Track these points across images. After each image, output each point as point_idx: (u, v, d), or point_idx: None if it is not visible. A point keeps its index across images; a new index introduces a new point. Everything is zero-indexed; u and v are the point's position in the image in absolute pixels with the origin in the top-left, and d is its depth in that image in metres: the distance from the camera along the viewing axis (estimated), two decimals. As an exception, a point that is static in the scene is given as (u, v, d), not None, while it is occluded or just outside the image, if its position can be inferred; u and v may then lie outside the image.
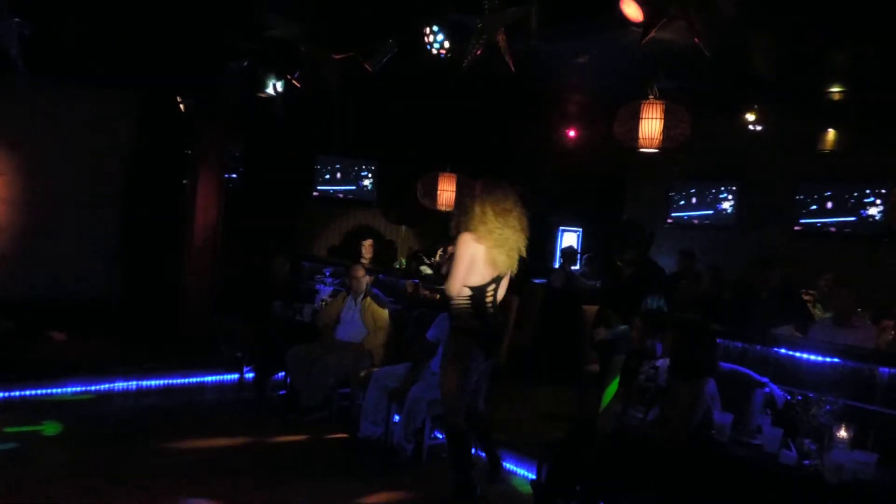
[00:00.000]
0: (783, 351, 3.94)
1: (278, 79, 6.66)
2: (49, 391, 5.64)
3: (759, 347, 4.02)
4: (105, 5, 5.78)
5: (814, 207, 8.46)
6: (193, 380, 6.33)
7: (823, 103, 7.13)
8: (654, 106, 5.61)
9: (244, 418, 5.57)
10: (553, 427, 4.94)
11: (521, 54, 4.76)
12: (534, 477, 4.04)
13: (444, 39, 5.06)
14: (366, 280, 5.71)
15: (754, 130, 7.74)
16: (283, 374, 5.88)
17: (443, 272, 6.00)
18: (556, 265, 9.36)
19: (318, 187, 9.31)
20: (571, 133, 9.37)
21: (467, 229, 3.90)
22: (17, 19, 5.05)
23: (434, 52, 5.11)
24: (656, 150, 5.77)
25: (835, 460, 3.02)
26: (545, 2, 4.54)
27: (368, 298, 5.60)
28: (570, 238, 10.59)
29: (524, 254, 4.04)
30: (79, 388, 5.79)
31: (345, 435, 5.10)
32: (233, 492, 4.06)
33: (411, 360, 4.89)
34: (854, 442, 3.12)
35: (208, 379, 6.41)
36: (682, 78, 6.06)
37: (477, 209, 3.92)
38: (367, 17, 5.57)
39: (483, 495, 4.03)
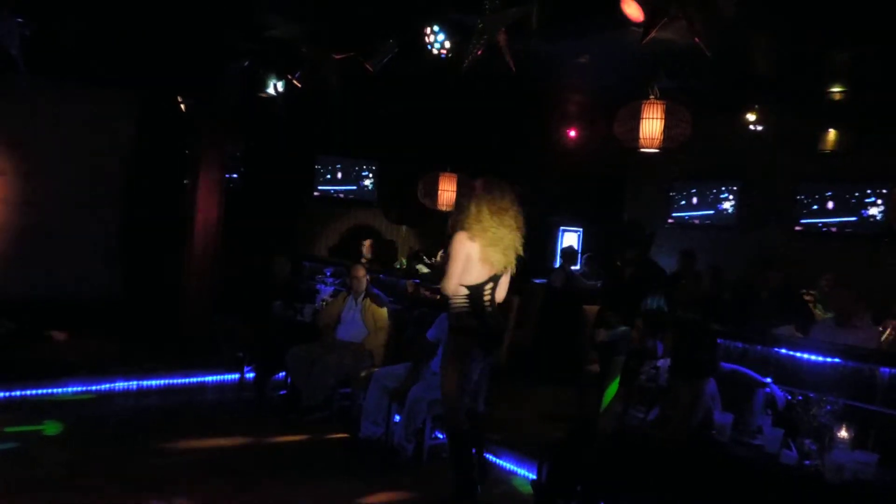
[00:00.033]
0: (784, 351, 3.94)
1: (279, 79, 6.66)
2: (50, 391, 5.65)
3: (759, 347, 4.02)
4: (105, 5, 5.78)
5: (814, 207, 8.46)
6: (194, 380, 6.33)
7: (824, 103, 7.12)
8: (655, 106, 5.61)
9: (245, 418, 5.57)
10: (553, 427, 4.93)
11: (521, 54, 4.76)
12: (534, 477, 4.04)
13: (445, 39, 5.06)
14: (366, 279, 5.71)
15: (755, 130, 7.74)
16: (283, 374, 5.88)
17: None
18: (557, 265, 9.36)
19: (319, 187, 9.31)
20: (572, 133, 9.37)
21: (462, 228, 3.92)
22: (18, 19, 5.05)
23: (435, 52, 5.11)
24: (657, 150, 5.77)
25: (835, 460, 3.02)
26: (546, 2, 4.54)
27: (369, 299, 5.60)
28: (570, 238, 10.59)
29: (521, 252, 4.03)
30: (79, 388, 5.80)
31: (345, 435, 5.10)
32: (233, 492, 4.06)
33: (412, 360, 4.90)
34: (855, 442, 3.12)
35: (209, 379, 6.41)
36: (682, 78, 6.06)
37: (473, 208, 3.93)
38: (367, 17, 5.57)
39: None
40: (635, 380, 3.70)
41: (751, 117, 7.60)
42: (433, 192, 8.24)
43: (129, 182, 7.86)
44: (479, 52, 4.67)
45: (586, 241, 10.62)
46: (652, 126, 5.59)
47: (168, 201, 7.67)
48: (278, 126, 7.86)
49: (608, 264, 8.26)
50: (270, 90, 6.73)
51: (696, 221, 9.60)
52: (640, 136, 5.63)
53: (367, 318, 5.54)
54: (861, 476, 2.98)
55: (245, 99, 7.09)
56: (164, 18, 5.91)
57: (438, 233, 4.30)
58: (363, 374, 5.14)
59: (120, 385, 5.97)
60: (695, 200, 9.69)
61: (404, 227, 10.12)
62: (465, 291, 3.94)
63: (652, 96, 5.68)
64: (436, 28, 5.06)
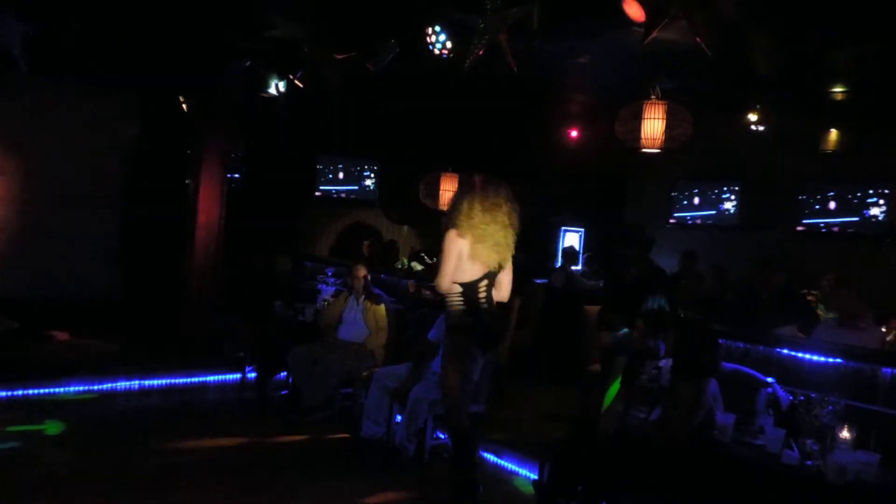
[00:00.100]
0: (785, 351, 3.94)
1: (280, 79, 6.66)
2: (51, 391, 5.65)
3: (761, 348, 4.02)
4: (105, 5, 5.78)
5: (816, 207, 8.45)
6: (195, 379, 6.34)
7: (825, 103, 7.12)
8: (657, 106, 5.61)
9: (246, 418, 5.58)
10: (554, 427, 4.94)
11: (522, 54, 4.76)
12: (536, 477, 4.04)
13: (447, 40, 5.05)
14: (366, 279, 5.69)
15: (756, 130, 7.73)
16: (285, 374, 5.89)
17: None
18: (558, 265, 9.35)
19: (321, 187, 9.32)
20: (573, 133, 9.36)
21: (453, 226, 3.93)
22: (20, 19, 5.06)
23: (436, 52, 5.11)
24: (658, 151, 5.77)
25: (837, 461, 3.01)
26: (547, 2, 4.54)
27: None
28: (572, 238, 10.58)
29: (512, 249, 4.01)
30: (81, 388, 5.80)
31: (347, 435, 5.10)
32: (234, 492, 4.06)
33: (413, 360, 4.90)
34: (857, 442, 3.12)
35: (210, 379, 6.42)
36: (683, 78, 6.06)
37: (465, 205, 3.94)
38: (367, 17, 5.57)
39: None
40: (637, 380, 3.69)
41: (752, 117, 7.59)
42: (434, 193, 8.25)
43: (130, 182, 7.87)
44: (481, 53, 4.67)
45: (588, 241, 10.62)
46: (653, 126, 5.59)
47: (169, 201, 7.67)
48: (279, 126, 7.86)
49: (609, 265, 8.28)
50: (272, 90, 6.73)
51: (698, 222, 9.60)
52: (642, 136, 5.63)
53: (368, 318, 5.54)
54: (863, 476, 2.98)
55: (246, 99, 7.09)
56: (165, 18, 5.91)
57: (440, 233, 4.30)
58: (364, 374, 5.14)
59: (121, 385, 5.98)
60: (696, 200, 9.69)
61: (405, 228, 10.13)
62: (460, 289, 3.94)
63: (653, 96, 5.68)
64: (437, 28, 5.06)
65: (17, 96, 7.09)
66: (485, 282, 3.98)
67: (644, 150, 5.77)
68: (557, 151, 9.52)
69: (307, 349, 5.46)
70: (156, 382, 6.12)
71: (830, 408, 3.23)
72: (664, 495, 3.27)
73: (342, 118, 8.39)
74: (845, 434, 3.12)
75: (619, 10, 4.10)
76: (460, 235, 3.91)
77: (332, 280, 6.64)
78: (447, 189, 8.13)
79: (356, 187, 9.64)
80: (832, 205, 8.32)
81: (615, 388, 3.80)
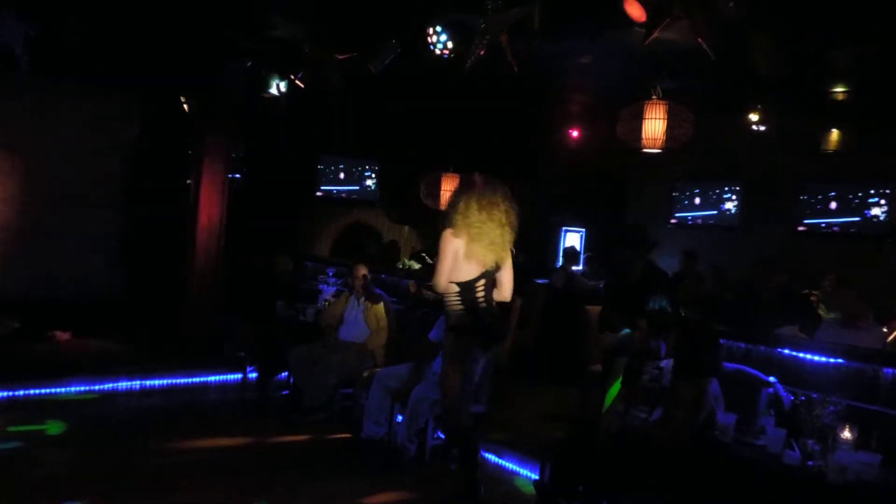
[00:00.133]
0: (786, 351, 3.94)
1: (281, 79, 6.67)
2: (53, 390, 5.65)
3: (762, 348, 4.02)
4: (106, 5, 5.79)
5: (818, 208, 8.45)
6: (196, 379, 6.34)
7: (827, 103, 7.11)
8: (658, 106, 5.61)
9: (247, 418, 5.58)
10: (555, 427, 4.93)
11: (523, 54, 4.76)
12: (537, 477, 4.04)
13: (448, 40, 5.05)
14: (365, 279, 5.68)
15: (757, 131, 7.73)
16: (286, 374, 5.89)
17: None
18: (558, 265, 9.36)
19: (322, 187, 9.32)
20: (574, 133, 9.37)
21: (449, 225, 3.93)
22: (22, 19, 5.07)
23: (437, 52, 5.11)
24: (659, 151, 5.77)
25: (838, 461, 3.01)
26: (548, 2, 4.54)
27: (381, 302, 5.60)
28: (572, 238, 10.58)
29: (509, 248, 3.99)
30: (82, 388, 5.80)
31: (347, 435, 5.10)
32: (235, 492, 4.06)
33: (414, 360, 4.90)
34: (858, 443, 3.11)
35: (211, 379, 6.42)
36: (685, 78, 6.06)
37: (461, 204, 3.93)
38: (368, 18, 5.57)
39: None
40: (638, 380, 3.69)
41: (753, 117, 7.59)
42: (435, 192, 8.25)
43: (132, 182, 7.88)
44: (482, 53, 4.67)
45: (588, 241, 10.62)
46: (654, 126, 5.59)
47: (169, 201, 7.68)
48: (280, 126, 7.87)
49: (610, 265, 8.27)
50: (273, 90, 6.74)
51: (699, 222, 9.59)
52: (643, 136, 5.63)
53: (369, 319, 5.54)
54: (864, 477, 2.98)
55: (247, 99, 7.10)
56: (165, 18, 5.91)
57: (439, 232, 4.32)
58: (365, 374, 5.14)
59: (123, 385, 5.98)
60: (697, 201, 9.69)
61: (407, 228, 10.13)
62: (457, 289, 3.94)
63: (654, 96, 5.68)
64: (438, 28, 5.06)
65: (17, 96, 7.10)
66: (482, 281, 3.97)
67: (645, 150, 5.77)
68: (558, 151, 9.52)
69: (308, 349, 5.46)
70: (157, 382, 6.12)
71: (832, 408, 3.23)
72: (665, 495, 3.27)
73: (343, 118, 8.40)
74: (846, 434, 3.12)
75: (619, 11, 4.10)
76: (455, 235, 3.91)
77: (333, 280, 6.64)
78: (448, 189, 8.13)
79: (357, 187, 9.65)
80: (833, 205, 8.32)
81: (616, 388, 3.80)
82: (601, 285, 7.87)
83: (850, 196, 8.14)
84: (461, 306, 3.95)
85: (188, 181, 7.47)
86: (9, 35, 5.25)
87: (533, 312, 6.61)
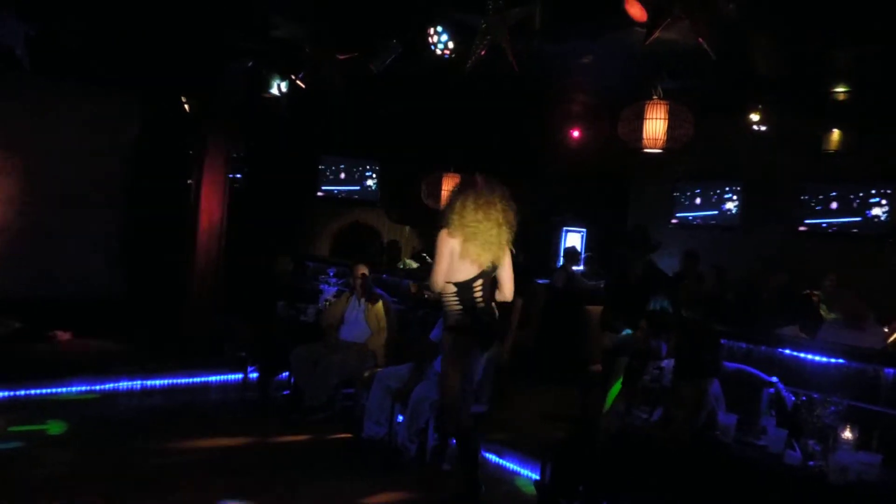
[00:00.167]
0: (787, 352, 3.94)
1: (282, 79, 6.67)
2: (53, 390, 5.66)
3: (763, 348, 4.02)
4: (106, 6, 5.79)
5: (818, 208, 8.44)
6: (197, 379, 6.34)
7: (827, 103, 7.12)
8: (658, 106, 5.61)
9: (248, 418, 5.58)
10: (555, 427, 4.93)
11: (524, 54, 4.76)
12: (537, 477, 4.04)
13: (449, 40, 5.05)
14: (364, 278, 5.68)
15: (758, 131, 7.74)
16: (286, 374, 5.89)
17: None
18: (559, 265, 9.36)
19: (323, 187, 9.33)
20: (575, 133, 9.36)
21: (444, 225, 3.93)
22: (23, 20, 5.07)
23: (438, 52, 5.12)
24: (660, 151, 5.77)
25: (839, 461, 3.01)
26: (549, 2, 4.55)
27: (379, 301, 5.60)
28: (573, 238, 10.59)
29: (506, 248, 3.97)
30: (83, 388, 5.81)
31: (348, 435, 5.10)
32: (235, 491, 4.06)
33: (415, 360, 4.90)
34: (859, 443, 3.11)
35: (212, 379, 6.42)
36: (685, 78, 6.06)
37: (457, 204, 3.93)
38: (369, 18, 5.57)
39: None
40: (638, 380, 3.69)
41: (754, 118, 7.59)
42: (436, 193, 8.25)
43: (132, 182, 7.88)
44: (483, 53, 4.67)
45: (590, 241, 10.62)
46: (655, 126, 5.59)
47: (170, 201, 7.68)
48: (280, 126, 7.87)
49: (610, 265, 8.27)
50: (274, 90, 6.74)
51: (700, 222, 9.59)
52: (644, 136, 5.63)
53: (370, 319, 5.54)
54: (865, 477, 2.98)
55: (247, 99, 7.10)
56: (166, 18, 5.92)
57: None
58: (366, 374, 5.14)
59: (124, 385, 5.98)
60: (698, 201, 9.69)
61: (407, 228, 10.13)
62: (454, 289, 3.95)
63: (655, 97, 5.68)
64: (439, 28, 5.06)
65: (18, 96, 7.11)
66: (479, 281, 3.97)
67: (646, 150, 5.77)
68: (559, 151, 9.52)
69: (309, 349, 5.46)
70: (157, 382, 6.13)
71: (833, 408, 3.23)
72: (666, 496, 3.27)
73: (343, 118, 8.40)
74: (847, 434, 3.12)
75: (620, 11, 4.10)
76: (450, 235, 3.91)
77: (333, 280, 6.64)
78: (448, 189, 8.11)
79: (358, 187, 9.66)
80: (834, 205, 8.32)
81: (617, 388, 3.80)
82: (602, 285, 7.88)
83: (851, 196, 8.15)
84: (459, 307, 3.95)
85: (188, 181, 7.47)
86: (9, 35, 5.25)
87: (534, 312, 6.61)
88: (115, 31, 6.18)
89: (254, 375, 6.22)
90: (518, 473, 4.63)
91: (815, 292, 6.69)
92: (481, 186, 3.96)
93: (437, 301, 4.13)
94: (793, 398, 3.52)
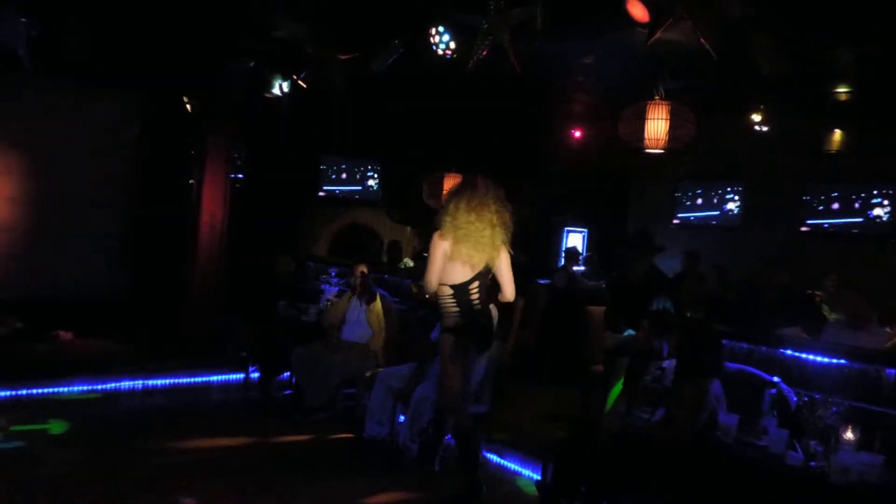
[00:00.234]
0: (789, 352, 3.93)
1: (284, 79, 6.67)
2: (56, 390, 5.66)
3: (764, 348, 4.01)
4: (106, 6, 5.79)
5: (820, 208, 8.44)
6: (199, 379, 6.35)
7: (829, 104, 7.11)
8: (660, 106, 5.61)
9: (249, 418, 5.58)
10: (556, 427, 4.94)
11: (525, 54, 4.76)
12: (539, 478, 4.04)
13: (450, 40, 5.06)
14: (364, 277, 5.68)
15: (760, 131, 7.73)
16: (288, 374, 5.90)
17: None
18: (560, 265, 9.36)
19: (324, 187, 9.34)
20: (576, 133, 9.36)
21: (437, 227, 3.95)
22: (24, 20, 5.08)
23: (440, 52, 5.12)
24: (662, 151, 5.77)
25: (841, 462, 3.01)
26: (550, 2, 4.55)
27: (377, 299, 5.60)
28: (575, 239, 10.59)
29: (500, 248, 3.96)
30: (85, 388, 5.81)
31: (350, 435, 5.10)
32: (237, 491, 4.06)
33: (416, 360, 4.90)
34: (860, 443, 3.11)
35: (214, 379, 6.43)
36: (687, 78, 6.06)
37: (451, 206, 3.94)
38: (370, 18, 5.58)
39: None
40: (639, 380, 3.69)
41: (756, 118, 7.59)
42: (438, 193, 8.26)
43: (134, 182, 7.89)
44: (484, 53, 4.67)
45: (591, 241, 10.62)
46: (657, 127, 5.59)
47: (171, 201, 7.69)
48: (281, 126, 7.88)
49: (610, 266, 8.27)
50: (276, 90, 6.75)
51: (702, 222, 9.58)
52: (645, 136, 5.64)
53: (371, 319, 5.55)
54: (866, 478, 2.97)
55: (248, 99, 7.11)
56: (166, 18, 5.92)
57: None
58: (368, 374, 5.14)
59: (125, 384, 5.99)
60: (699, 201, 9.69)
61: (409, 228, 10.13)
62: (450, 291, 3.95)
63: (657, 97, 5.68)
64: (440, 28, 5.06)
65: (18, 96, 7.11)
66: (476, 283, 3.97)
67: (647, 150, 5.77)
68: (560, 152, 9.52)
69: (310, 349, 5.46)
70: (159, 382, 6.13)
71: (834, 409, 3.23)
72: (667, 496, 3.27)
73: (344, 118, 8.41)
74: (849, 435, 3.12)
75: (622, 11, 4.11)
76: (442, 237, 3.92)
77: (335, 280, 6.65)
78: (449, 189, 8.12)
79: (360, 188, 9.66)
80: (835, 205, 8.31)
81: (618, 388, 3.80)
82: (602, 285, 7.87)
83: (853, 196, 8.14)
84: (456, 308, 3.96)
85: (189, 181, 7.48)
86: (12, 35, 5.26)
87: (535, 313, 6.62)
88: (115, 31, 6.19)
89: (255, 375, 6.22)
90: (519, 474, 4.63)
91: (817, 293, 6.69)
92: (479, 187, 3.96)
93: (436, 302, 4.13)
94: (795, 398, 3.51)
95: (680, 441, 3.35)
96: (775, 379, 3.68)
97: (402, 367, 4.98)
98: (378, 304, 5.57)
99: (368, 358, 5.40)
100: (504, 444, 4.82)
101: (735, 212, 9.26)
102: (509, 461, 4.74)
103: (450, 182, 8.17)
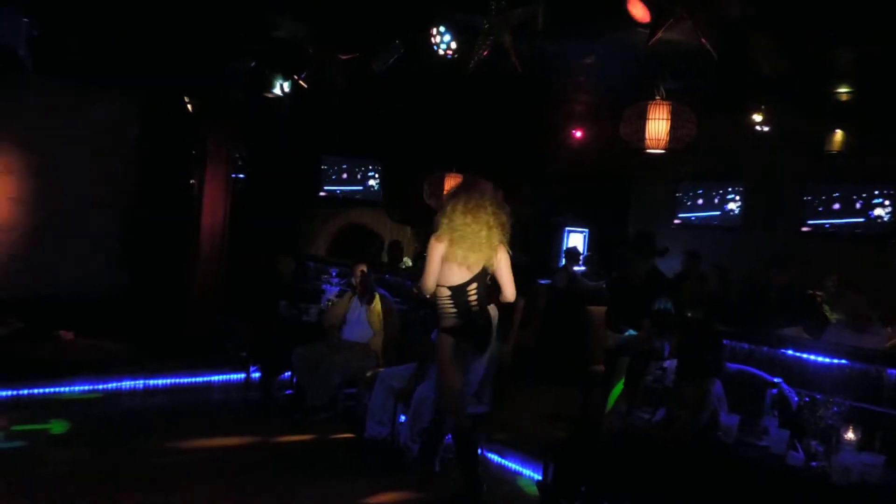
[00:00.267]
0: (790, 352, 3.93)
1: (285, 79, 6.67)
2: (57, 390, 5.67)
3: (766, 349, 4.01)
4: (106, 6, 5.80)
5: (821, 208, 8.44)
6: (200, 379, 6.35)
7: (830, 104, 7.11)
8: (661, 106, 5.61)
9: (250, 418, 5.58)
10: (557, 427, 4.94)
11: (526, 55, 4.76)
12: (539, 478, 4.04)
13: (451, 40, 5.06)
14: (364, 277, 5.68)
15: (761, 131, 7.73)
16: (289, 374, 5.90)
17: None
18: (561, 265, 9.36)
19: (325, 187, 9.34)
20: (577, 133, 9.36)
21: (434, 229, 3.97)
22: (26, 20, 5.08)
23: (441, 52, 5.12)
24: (663, 151, 5.77)
25: (842, 462, 3.01)
26: (551, 2, 4.55)
27: (376, 298, 5.60)
28: (575, 239, 10.58)
29: (497, 249, 3.95)
30: (86, 387, 5.82)
31: (351, 435, 5.11)
32: (237, 491, 4.06)
33: (417, 360, 4.90)
34: (861, 444, 3.11)
35: (215, 378, 6.43)
36: (688, 78, 6.06)
37: (448, 208, 3.96)
38: (371, 18, 5.58)
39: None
40: (640, 380, 3.69)
41: (756, 118, 7.58)
42: (439, 193, 8.25)
43: (136, 182, 7.89)
44: (486, 53, 4.67)
45: (592, 242, 10.61)
46: (658, 127, 5.59)
47: (171, 201, 7.69)
48: (282, 127, 7.88)
49: (610, 266, 8.27)
50: (276, 90, 6.75)
51: (703, 222, 9.58)
52: (646, 136, 5.64)
53: (372, 319, 5.55)
54: (868, 478, 2.98)
55: (248, 100, 7.11)
56: (167, 18, 5.92)
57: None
58: (369, 374, 5.14)
59: (127, 384, 5.99)
60: (700, 201, 9.68)
61: (410, 228, 10.13)
62: (448, 293, 3.96)
63: (658, 97, 5.68)
64: (442, 28, 5.07)
65: (18, 96, 7.11)
66: (474, 285, 3.97)
67: (648, 150, 5.77)
68: (560, 152, 9.51)
69: (311, 349, 5.47)
70: (160, 382, 6.14)
71: (835, 409, 3.23)
72: (668, 496, 3.27)
73: (345, 118, 8.41)
74: (850, 435, 3.12)
75: (623, 11, 4.11)
76: (438, 239, 3.93)
77: (335, 280, 6.65)
78: (450, 189, 8.12)
79: (361, 188, 9.66)
80: (836, 205, 8.31)
81: (619, 388, 3.80)
82: (603, 285, 7.87)
83: (854, 197, 8.14)
84: (454, 310, 3.97)
85: (190, 181, 7.48)
86: (13, 35, 5.26)
87: (535, 313, 6.61)
88: (115, 31, 6.19)
89: (256, 375, 6.22)
90: (520, 473, 4.63)
91: (818, 293, 6.69)
92: (476, 190, 3.97)
93: (434, 303, 4.14)
94: (796, 398, 3.51)
95: (681, 441, 3.35)
96: (777, 379, 3.68)
97: (402, 367, 4.99)
98: (378, 303, 5.57)
99: (369, 358, 5.40)
100: (505, 443, 4.82)
101: (736, 212, 9.26)
102: (510, 461, 4.74)
103: (451, 182, 8.16)
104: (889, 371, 3.56)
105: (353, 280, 5.76)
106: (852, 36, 5.26)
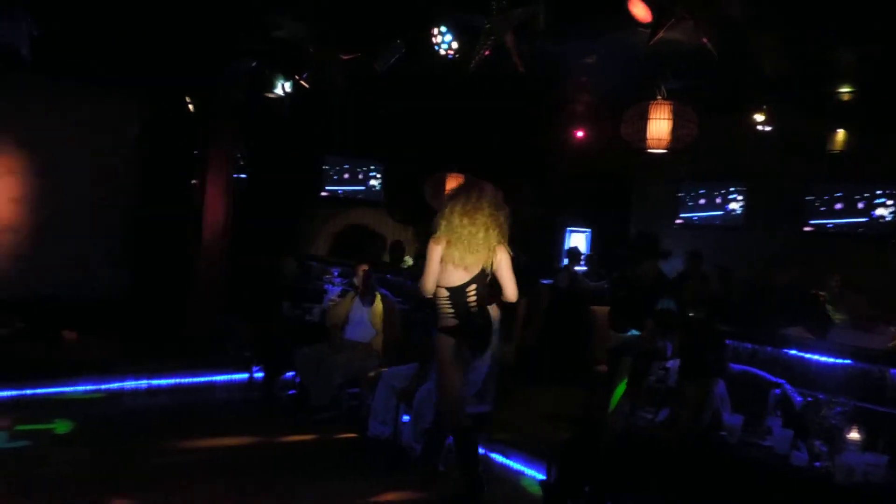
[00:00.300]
0: (793, 352, 3.93)
1: (286, 79, 6.67)
2: (60, 390, 5.67)
3: (769, 349, 4.01)
4: (106, 6, 5.80)
5: (823, 208, 8.43)
6: (203, 379, 6.35)
7: (832, 104, 7.10)
8: (663, 106, 5.61)
9: (253, 418, 5.58)
10: (560, 427, 4.93)
11: (528, 55, 4.76)
12: (543, 477, 4.04)
13: (453, 40, 5.06)
14: (365, 276, 5.69)
15: (763, 131, 7.72)
16: (292, 373, 5.90)
17: None
18: (562, 266, 9.36)
19: (327, 187, 9.34)
20: (579, 133, 9.36)
21: (433, 231, 3.98)
22: (27, 19, 5.09)
23: (442, 52, 5.12)
24: (664, 151, 5.76)
25: (845, 462, 3.01)
26: (552, 2, 4.55)
27: (377, 298, 5.61)
28: (577, 239, 10.58)
29: (495, 249, 3.95)
30: (90, 387, 5.82)
31: (353, 435, 5.11)
32: (240, 491, 4.07)
33: (419, 360, 4.90)
34: (865, 444, 3.11)
35: (218, 378, 6.43)
36: (689, 78, 6.05)
37: (446, 210, 3.97)
38: (372, 18, 5.58)
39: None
40: (643, 380, 3.69)
41: (758, 118, 7.58)
42: (440, 193, 8.24)
43: (137, 182, 7.89)
44: (487, 53, 4.67)
45: (594, 242, 10.61)
46: (659, 127, 5.59)
47: (172, 201, 7.69)
48: (283, 127, 7.87)
49: (611, 267, 8.27)
50: (277, 90, 6.75)
51: (704, 222, 9.58)
52: (648, 136, 5.63)
53: (374, 319, 5.55)
54: (871, 478, 2.97)
55: (249, 100, 7.11)
56: (167, 18, 5.93)
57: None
58: (371, 374, 5.15)
59: (130, 384, 5.99)
60: (702, 201, 9.68)
61: (412, 228, 10.13)
62: (447, 294, 3.97)
63: (659, 97, 5.68)
64: (443, 28, 5.06)
65: (18, 96, 7.12)
66: (473, 286, 3.98)
67: (650, 150, 5.77)
68: (562, 152, 9.51)
69: (314, 349, 5.47)
70: (163, 382, 6.14)
71: (839, 409, 3.23)
72: (671, 496, 3.27)
73: (346, 118, 8.41)
74: (853, 435, 3.11)
75: (624, 11, 4.11)
76: (436, 241, 3.95)
77: (338, 280, 6.65)
78: (451, 189, 8.12)
79: (362, 188, 9.66)
80: (839, 205, 8.30)
81: (622, 388, 3.80)
82: (605, 285, 7.87)
83: (856, 196, 8.14)
84: (453, 311, 3.98)
85: (190, 181, 7.48)
86: (15, 35, 5.27)
87: (537, 312, 6.62)
88: (115, 31, 6.19)
89: (259, 375, 6.22)
90: (523, 473, 4.63)
91: (821, 293, 6.68)
92: (474, 192, 3.97)
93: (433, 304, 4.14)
94: (800, 398, 3.51)
95: (684, 441, 3.35)
96: (780, 381, 3.67)
97: (405, 367, 4.99)
98: (378, 303, 5.57)
99: (372, 357, 5.40)
100: (507, 443, 4.82)
101: (738, 212, 9.25)
102: (513, 461, 4.74)
103: (452, 182, 8.14)
104: (892, 371, 3.56)
105: (356, 280, 5.76)
106: (853, 36, 5.25)
